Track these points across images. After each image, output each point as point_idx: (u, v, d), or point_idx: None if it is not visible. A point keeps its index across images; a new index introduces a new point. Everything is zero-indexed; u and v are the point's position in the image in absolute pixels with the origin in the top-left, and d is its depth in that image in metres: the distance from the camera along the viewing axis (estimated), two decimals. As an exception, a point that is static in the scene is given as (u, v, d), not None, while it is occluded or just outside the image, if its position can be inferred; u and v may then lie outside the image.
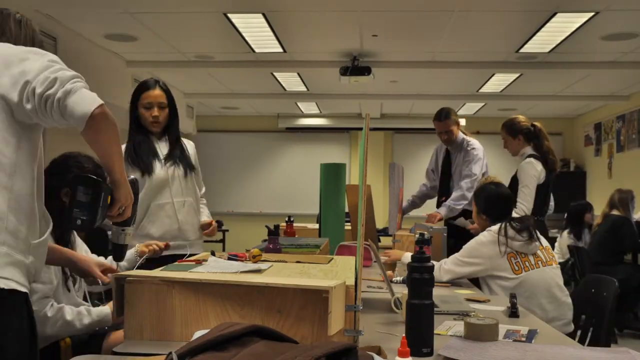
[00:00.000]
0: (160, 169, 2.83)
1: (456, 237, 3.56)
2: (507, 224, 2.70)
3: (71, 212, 1.49)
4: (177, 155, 2.88)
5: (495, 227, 2.71)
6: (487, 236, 2.70)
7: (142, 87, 2.84)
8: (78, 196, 1.49)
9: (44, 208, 1.55)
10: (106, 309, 2.19)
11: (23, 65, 1.44)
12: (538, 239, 2.71)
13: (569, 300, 2.69)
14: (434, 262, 2.75)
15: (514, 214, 3.02)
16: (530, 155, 3.69)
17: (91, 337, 2.26)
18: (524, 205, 3.55)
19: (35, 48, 1.53)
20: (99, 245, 2.90)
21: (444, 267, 2.72)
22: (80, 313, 2.11)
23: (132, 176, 1.70)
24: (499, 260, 2.64)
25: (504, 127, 3.84)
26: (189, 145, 3.04)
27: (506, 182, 3.35)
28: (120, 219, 1.63)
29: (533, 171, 3.61)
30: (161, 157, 2.85)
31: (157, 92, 2.82)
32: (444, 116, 4.31)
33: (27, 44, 1.58)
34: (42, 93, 1.39)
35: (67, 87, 1.41)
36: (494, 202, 2.88)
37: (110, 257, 2.59)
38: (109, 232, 2.30)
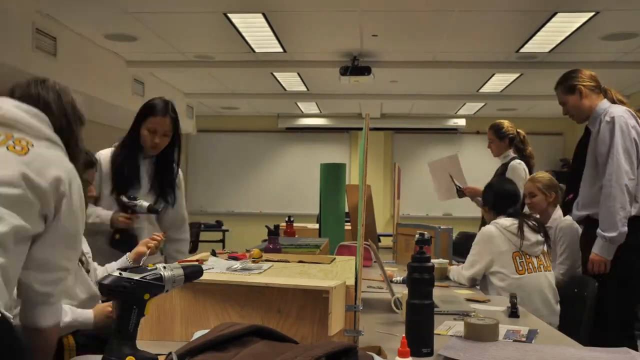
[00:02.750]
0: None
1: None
2: (524, 221, 2.69)
3: None
4: (160, 186, 2.72)
5: (504, 221, 2.70)
6: (494, 231, 2.68)
7: (151, 111, 2.72)
8: None
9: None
10: (89, 313, 2.16)
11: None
12: (547, 241, 2.71)
13: (559, 307, 2.69)
14: (454, 267, 2.80)
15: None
16: (514, 158, 4.01)
17: (95, 338, 2.26)
18: None
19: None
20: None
21: (464, 274, 2.71)
22: (63, 311, 2.10)
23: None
24: (504, 256, 2.63)
25: (492, 129, 4.17)
26: (180, 174, 2.87)
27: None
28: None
29: (523, 173, 3.89)
30: (144, 187, 2.69)
31: (166, 120, 2.71)
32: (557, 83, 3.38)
33: (61, 119, 1.50)
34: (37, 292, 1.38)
35: (52, 299, 1.41)
36: (502, 198, 2.87)
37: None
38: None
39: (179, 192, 2.81)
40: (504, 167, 4.03)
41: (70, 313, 2.12)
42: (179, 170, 2.85)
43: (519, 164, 3.94)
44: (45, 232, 1.36)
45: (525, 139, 4.15)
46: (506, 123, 4.17)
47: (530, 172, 3.99)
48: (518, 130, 4.17)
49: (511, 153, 4.10)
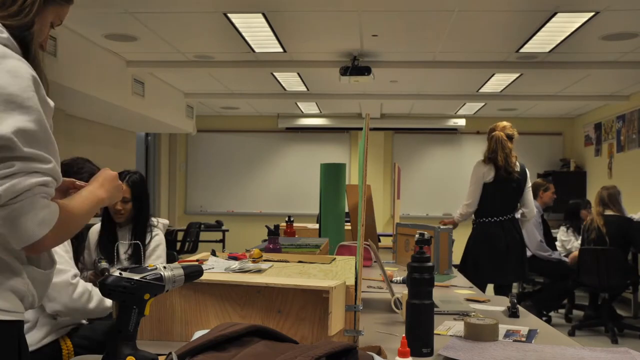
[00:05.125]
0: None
1: None
2: None
3: None
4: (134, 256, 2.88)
5: None
6: None
7: None
8: None
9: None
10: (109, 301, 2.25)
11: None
12: None
13: None
14: None
15: (459, 215, 4.21)
16: (482, 158, 4.17)
17: (91, 339, 2.27)
18: (464, 204, 4.21)
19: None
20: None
21: None
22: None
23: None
24: None
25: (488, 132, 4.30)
26: (155, 237, 2.93)
27: None
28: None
29: (475, 171, 4.14)
30: (120, 252, 2.87)
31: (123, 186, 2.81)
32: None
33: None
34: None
35: (24, 203, 1.15)
36: None
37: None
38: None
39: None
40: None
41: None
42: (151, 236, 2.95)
43: (476, 165, 4.17)
44: None
45: (499, 140, 4.13)
46: (495, 125, 4.20)
47: (508, 171, 4.14)
48: (507, 132, 4.16)
49: (486, 153, 4.19)
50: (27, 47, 1.31)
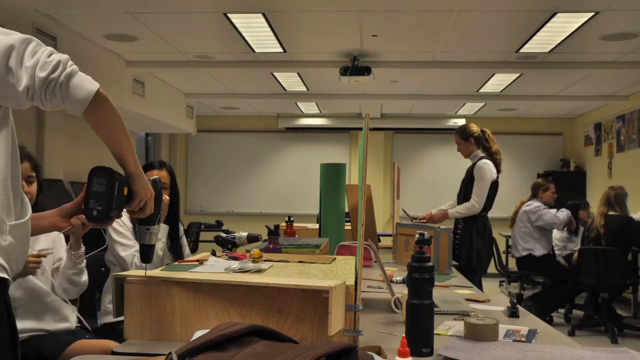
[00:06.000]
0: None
1: None
2: None
3: (87, 204, 1.46)
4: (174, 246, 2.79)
5: None
6: None
7: (146, 168, 2.77)
8: (93, 187, 1.46)
9: (21, 191, 1.46)
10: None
11: None
12: None
13: None
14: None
15: (464, 208, 4.14)
16: (482, 157, 4.22)
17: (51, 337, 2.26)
18: (476, 201, 4.14)
19: None
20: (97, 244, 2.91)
21: None
22: None
23: (154, 176, 1.67)
24: None
25: (457, 132, 4.40)
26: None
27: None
28: (142, 214, 1.57)
29: (489, 171, 4.16)
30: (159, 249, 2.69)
31: (163, 173, 2.78)
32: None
33: None
34: (46, 78, 1.31)
35: (68, 70, 1.34)
36: None
37: (129, 255, 2.63)
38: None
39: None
40: (472, 167, 4.28)
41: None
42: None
43: (484, 164, 4.18)
44: None
45: (489, 137, 4.30)
46: (471, 125, 4.38)
47: (498, 169, 4.25)
48: (483, 129, 4.33)
49: (480, 153, 4.28)
50: None
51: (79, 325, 2.50)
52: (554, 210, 5.93)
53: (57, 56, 1.35)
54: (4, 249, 1.33)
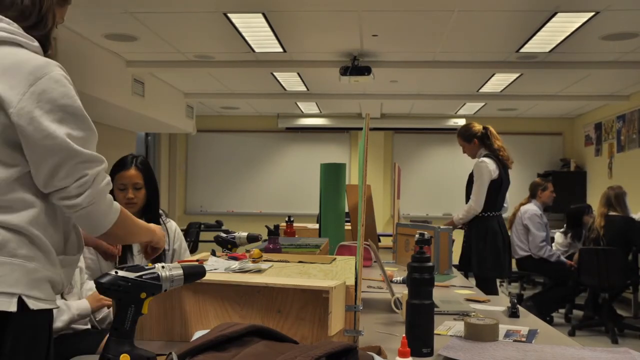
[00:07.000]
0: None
1: None
2: None
3: None
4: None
5: None
6: None
7: (117, 168, 2.59)
8: None
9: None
10: (84, 302, 2.19)
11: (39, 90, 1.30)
12: None
13: None
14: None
15: (463, 212, 4.10)
16: (485, 156, 4.13)
17: (62, 338, 2.24)
18: (473, 201, 4.07)
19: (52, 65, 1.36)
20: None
21: None
22: (60, 310, 2.10)
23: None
24: None
25: (459, 135, 4.30)
26: (170, 228, 2.73)
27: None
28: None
29: (485, 170, 4.04)
30: (134, 251, 2.57)
31: (132, 172, 2.56)
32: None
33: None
34: (64, 204, 1.33)
35: (87, 208, 1.33)
36: None
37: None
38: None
39: None
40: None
41: (66, 309, 2.13)
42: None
43: (481, 162, 4.09)
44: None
45: (492, 133, 4.19)
46: (472, 124, 4.27)
47: (504, 165, 4.13)
48: (485, 126, 4.23)
49: (483, 151, 4.19)
50: (45, 50, 1.43)
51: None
52: (543, 235, 5.82)
53: (85, 194, 1.33)
54: (54, 280, 1.37)
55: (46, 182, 1.31)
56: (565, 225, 6.40)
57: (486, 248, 4.08)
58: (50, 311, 1.38)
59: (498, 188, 4.12)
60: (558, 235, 6.44)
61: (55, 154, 1.29)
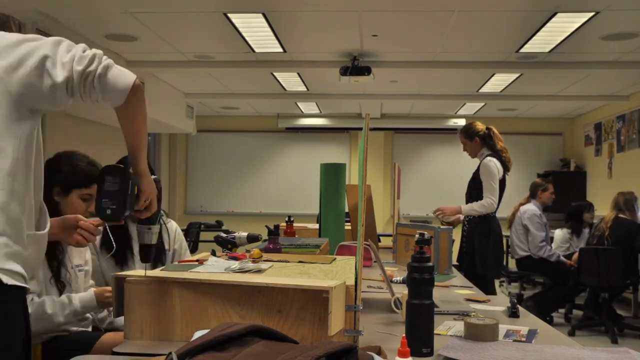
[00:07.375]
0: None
1: None
2: None
3: (100, 203, 1.46)
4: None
5: None
6: None
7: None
8: (106, 186, 1.46)
9: (42, 202, 1.48)
10: (89, 292, 2.15)
11: (27, 46, 1.38)
12: None
13: None
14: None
15: (479, 206, 4.04)
16: (489, 155, 4.15)
17: (61, 338, 2.23)
18: (491, 198, 4.04)
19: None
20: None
21: None
22: (62, 302, 2.08)
23: (154, 176, 1.66)
24: None
25: (462, 132, 4.31)
26: (170, 228, 2.71)
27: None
28: (147, 213, 1.57)
29: (495, 168, 4.07)
30: (134, 250, 2.56)
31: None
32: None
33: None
34: (84, 70, 1.36)
35: (104, 62, 1.40)
36: None
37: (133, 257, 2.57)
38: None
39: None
40: (478, 167, 4.20)
41: (73, 298, 2.11)
42: None
43: (489, 161, 4.10)
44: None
45: (495, 134, 4.21)
46: (475, 123, 4.29)
47: (505, 166, 4.16)
48: (488, 127, 4.25)
49: (486, 151, 4.21)
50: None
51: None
52: (542, 234, 5.83)
53: (92, 51, 1.40)
54: (25, 258, 1.36)
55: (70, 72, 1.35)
56: (565, 221, 6.42)
57: (489, 247, 4.12)
58: (23, 292, 1.36)
59: (502, 189, 4.15)
60: (557, 232, 6.45)
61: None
